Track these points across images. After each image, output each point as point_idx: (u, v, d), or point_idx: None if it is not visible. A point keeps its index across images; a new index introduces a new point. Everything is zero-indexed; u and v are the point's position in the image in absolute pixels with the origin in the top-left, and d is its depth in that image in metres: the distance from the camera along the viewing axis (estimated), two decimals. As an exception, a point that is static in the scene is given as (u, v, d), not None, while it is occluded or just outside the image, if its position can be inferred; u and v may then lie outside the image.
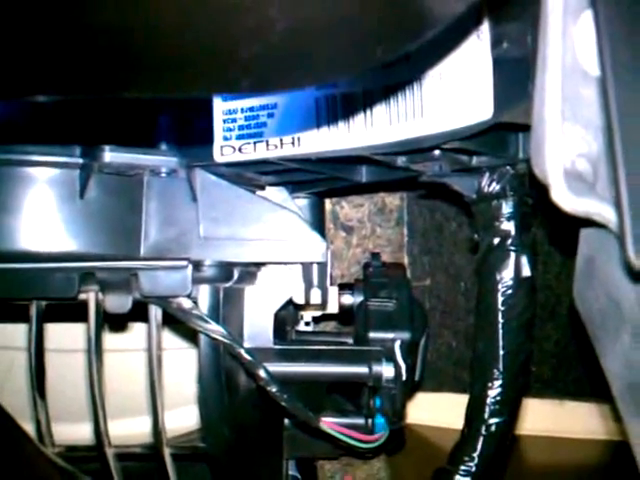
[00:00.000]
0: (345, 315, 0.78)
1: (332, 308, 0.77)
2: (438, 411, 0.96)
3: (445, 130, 0.53)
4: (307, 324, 0.82)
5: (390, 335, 0.69)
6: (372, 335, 0.70)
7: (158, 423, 0.62)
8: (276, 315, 0.68)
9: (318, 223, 0.79)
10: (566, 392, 0.97)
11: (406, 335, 0.70)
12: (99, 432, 0.63)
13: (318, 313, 0.80)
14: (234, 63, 0.32)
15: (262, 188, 0.70)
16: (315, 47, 0.32)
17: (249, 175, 0.67)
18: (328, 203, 0.98)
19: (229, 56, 0.32)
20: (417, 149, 0.56)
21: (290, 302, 0.70)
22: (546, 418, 0.95)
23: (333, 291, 0.76)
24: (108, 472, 0.65)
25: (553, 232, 0.85)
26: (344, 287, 0.78)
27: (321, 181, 0.70)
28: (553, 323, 0.97)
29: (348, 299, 0.77)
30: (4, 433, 0.54)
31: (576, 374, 0.97)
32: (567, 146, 0.42)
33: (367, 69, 0.36)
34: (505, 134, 0.59)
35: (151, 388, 0.62)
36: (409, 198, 0.98)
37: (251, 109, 0.60)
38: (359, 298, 0.76)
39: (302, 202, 0.78)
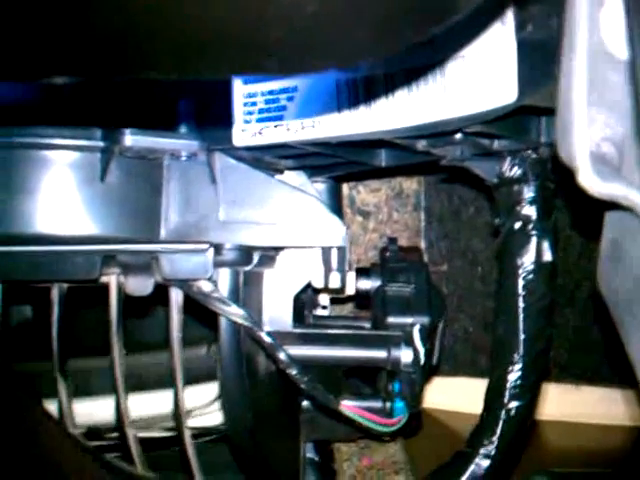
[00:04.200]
0: (362, 299, 0.78)
1: (349, 292, 0.77)
2: (454, 395, 0.97)
3: (468, 114, 0.53)
4: (324, 308, 0.82)
5: (409, 320, 0.69)
6: (391, 320, 0.70)
7: (179, 405, 0.63)
8: (295, 299, 0.68)
9: (336, 207, 0.79)
10: (583, 377, 0.97)
11: (425, 320, 0.69)
12: (120, 413, 0.64)
13: (335, 296, 0.80)
14: (261, 45, 0.32)
15: (281, 172, 0.69)
16: (343, 30, 0.32)
17: (268, 159, 0.67)
18: (345, 188, 0.98)
19: (257, 38, 0.32)
20: (439, 133, 0.56)
21: (309, 286, 0.70)
22: (563, 403, 0.94)
23: (350, 275, 0.76)
24: (129, 452, 0.65)
25: (575, 216, 0.84)
26: (361, 271, 0.78)
27: (340, 165, 0.70)
28: (571, 308, 0.96)
29: (365, 283, 0.77)
30: (28, 413, 0.55)
31: (594, 359, 0.97)
32: (593, 130, 0.42)
33: (394, 52, 0.36)
34: (527, 118, 0.58)
35: (172, 370, 0.62)
36: (426, 183, 0.97)
37: (271, 92, 0.60)
38: (376, 282, 0.76)
39: (320, 186, 0.78)
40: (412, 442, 0.90)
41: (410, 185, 0.98)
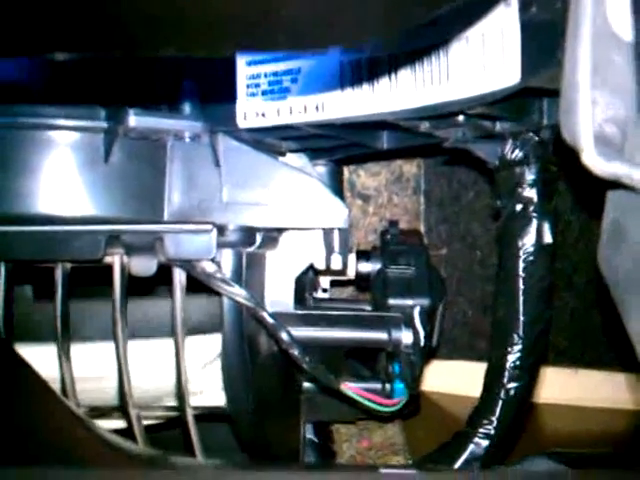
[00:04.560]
0: (362, 282, 0.79)
1: (350, 275, 0.78)
2: (452, 379, 0.97)
3: (471, 95, 0.53)
4: (324, 291, 0.83)
5: (409, 302, 0.70)
6: (391, 302, 0.70)
7: (182, 385, 0.63)
8: (296, 281, 0.68)
9: (337, 190, 0.79)
10: (581, 361, 0.98)
11: (425, 301, 0.70)
12: (123, 393, 0.64)
13: (336, 279, 0.81)
14: (272, 22, 0.32)
15: (282, 154, 0.70)
16: (352, 8, 0.32)
17: (270, 141, 0.67)
18: (345, 172, 0.98)
19: (268, 16, 0.32)
20: (442, 114, 0.56)
21: (310, 268, 0.70)
22: (561, 387, 0.95)
23: (351, 258, 0.77)
24: (132, 432, 0.66)
25: (577, 197, 0.85)
26: (362, 254, 0.78)
27: (341, 147, 0.70)
28: (569, 292, 0.97)
29: (366, 266, 0.77)
30: (36, 392, 0.55)
31: (592, 343, 0.98)
32: (597, 111, 0.42)
33: (402, 30, 0.36)
34: (529, 100, 0.59)
35: (176, 351, 0.62)
36: (426, 166, 0.98)
37: (275, 74, 0.60)
38: (377, 265, 0.76)
39: (321, 169, 0.78)
40: (410, 424, 0.91)
41: (410, 169, 0.98)
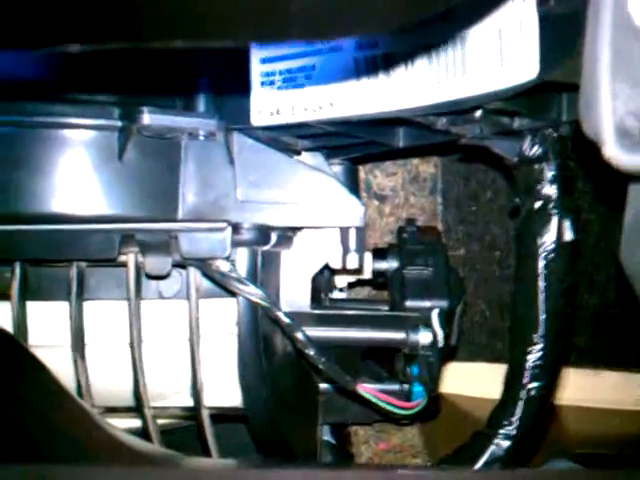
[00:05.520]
0: (379, 281, 0.78)
1: (366, 274, 0.77)
2: (471, 381, 0.96)
3: (489, 91, 0.52)
4: (341, 290, 0.82)
5: (427, 303, 0.69)
6: (409, 304, 0.69)
7: (197, 383, 0.63)
8: (312, 280, 0.67)
9: (353, 190, 0.78)
10: (602, 362, 0.96)
11: (443, 303, 0.69)
12: (139, 393, 0.64)
13: (353, 279, 0.80)
14: (284, 13, 0.32)
15: (298, 153, 0.69)
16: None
17: (285, 139, 0.66)
18: (361, 172, 0.98)
19: (280, 7, 0.31)
20: (458, 110, 0.56)
21: (326, 267, 0.70)
22: (582, 388, 0.94)
23: (367, 257, 0.76)
24: (147, 433, 0.65)
25: (597, 193, 0.84)
26: (378, 252, 0.78)
27: (357, 146, 0.70)
28: (590, 292, 0.96)
29: (382, 265, 0.77)
30: (49, 392, 0.55)
31: (613, 343, 0.96)
32: (617, 104, 0.42)
33: (416, 21, 0.36)
34: (548, 95, 0.58)
35: (191, 349, 0.62)
36: (443, 166, 0.97)
37: (289, 71, 0.60)
38: (393, 263, 0.76)
39: (336, 168, 0.77)
40: (429, 426, 0.90)
41: (427, 169, 0.97)
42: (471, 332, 0.97)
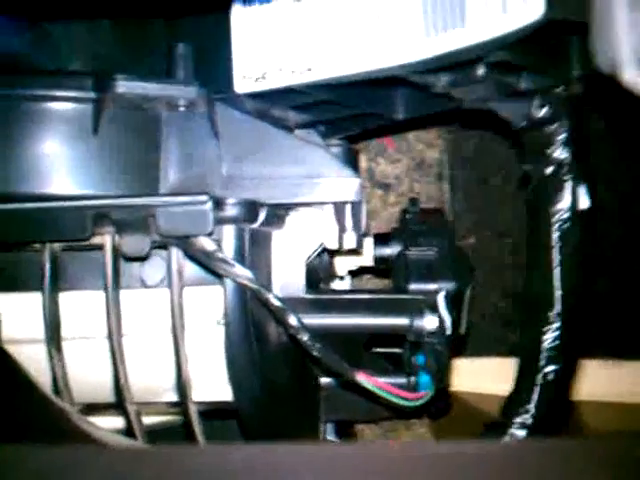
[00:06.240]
0: (382, 268, 0.73)
1: (367, 260, 0.72)
2: (484, 376, 0.91)
3: (491, 37, 0.47)
4: (342, 279, 0.77)
5: (432, 286, 0.65)
6: (413, 287, 0.65)
7: (182, 376, 0.58)
8: (308, 265, 0.63)
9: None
10: (624, 352, 0.90)
11: (450, 285, 0.65)
12: (120, 387, 0.59)
13: (354, 266, 0.75)
14: None
15: (291, 130, 0.64)
16: None
17: (276, 113, 0.62)
18: (363, 160, 0.93)
19: None
20: (460, 64, 0.50)
21: (323, 251, 0.65)
22: (602, 381, 0.88)
23: (368, 242, 0.71)
24: (131, 430, 0.61)
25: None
26: (380, 238, 0.73)
27: (354, 119, 0.65)
28: (608, 275, 0.90)
29: (385, 250, 0.72)
30: (22, 393, 0.51)
31: (634, 331, 0.90)
32: (634, 33, 0.37)
33: None
34: (555, 47, 0.53)
35: (174, 337, 0.57)
36: (450, 151, 0.92)
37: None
38: (396, 248, 0.71)
39: (334, 150, 0.73)
40: (440, 425, 0.85)
41: (432, 154, 0.93)
42: (483, 324, 0.91)
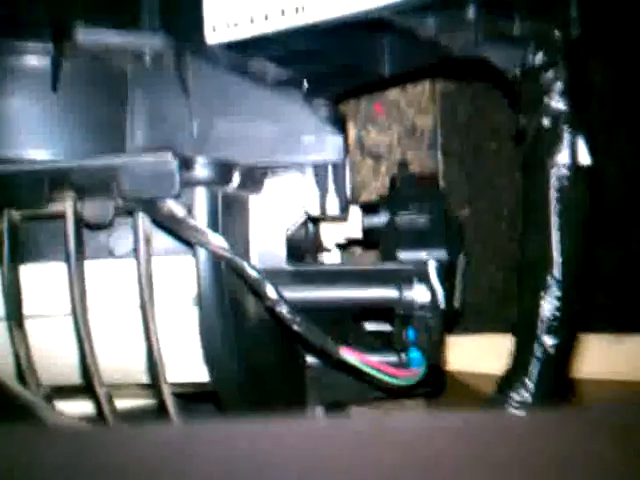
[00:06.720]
0: (371, 239, 0.69)
1: (355, 232, 0.68)
2: (480, 355, 0.87)
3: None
4: (329, 251, 0.72)
5: (423, 254, 0.61)
6: (402, 255, 0.61)
7: (153, 354, 0.53)
8: (291, 237, 0.58)
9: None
10: (626, 326, 0.86)
11: (442, 254, 0.61)
12: (87, 367, 0.54)
13: (341, 239, 0.70)
14: None
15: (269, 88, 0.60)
16: None
17: (253, 67, 0.57)
18: (352, 129, 0.89)
19: None
20: (446, 4, 0.46)
21: (308, 222, 0.61)
22: (604, 357, 0.84)
23: (356, 212, 0.66)
24: (101, 414, 0.56)
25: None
26: (369, 208, 0.68)
27: (337, 75, 0.60)
28: (609, 247, 0.85)
29: (374, 220, 0.67)
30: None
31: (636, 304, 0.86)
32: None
33: None
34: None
35: (142, 311, 0.53)
36: (442, 117, 0.87)
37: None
38: (386, 217, 0.66)
39: (317, 110, 0.68)
40: (435, 407, 0.80)
41: (424, 121, 0.88)
42: (479, 299, 0.87)
